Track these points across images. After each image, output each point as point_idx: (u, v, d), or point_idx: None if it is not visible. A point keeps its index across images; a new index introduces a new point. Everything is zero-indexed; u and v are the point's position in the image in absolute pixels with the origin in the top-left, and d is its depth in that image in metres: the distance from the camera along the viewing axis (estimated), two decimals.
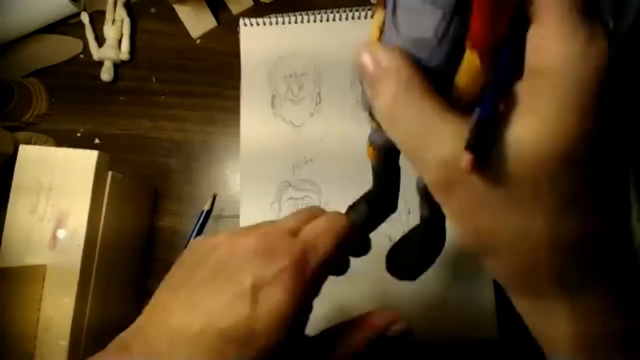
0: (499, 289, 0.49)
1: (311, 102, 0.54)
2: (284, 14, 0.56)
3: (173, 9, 0.59)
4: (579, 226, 0.19)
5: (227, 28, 0.60)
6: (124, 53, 0.60)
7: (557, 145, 0.17)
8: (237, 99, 0.56)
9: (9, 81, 0.57)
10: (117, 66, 0.60)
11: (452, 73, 0.20)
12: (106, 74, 0.59)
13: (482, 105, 0.18)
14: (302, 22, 0.56)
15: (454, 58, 0.20)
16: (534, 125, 0.18)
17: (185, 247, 0.54)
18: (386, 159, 0.29)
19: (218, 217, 0.55)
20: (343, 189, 0.52)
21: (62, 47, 0.61)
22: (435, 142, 0.19)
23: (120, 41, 0.60)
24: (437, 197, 0.21)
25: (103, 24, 0.60)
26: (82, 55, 0.61)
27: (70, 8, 0.60)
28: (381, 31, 0.23)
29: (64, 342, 0.42)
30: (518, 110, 0.18)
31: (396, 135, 0.21)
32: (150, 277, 0.55)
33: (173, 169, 0.57)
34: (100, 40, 0.60)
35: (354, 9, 0.55)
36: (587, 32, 0.18)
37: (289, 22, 0.56)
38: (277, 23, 0.56)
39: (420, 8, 0.20)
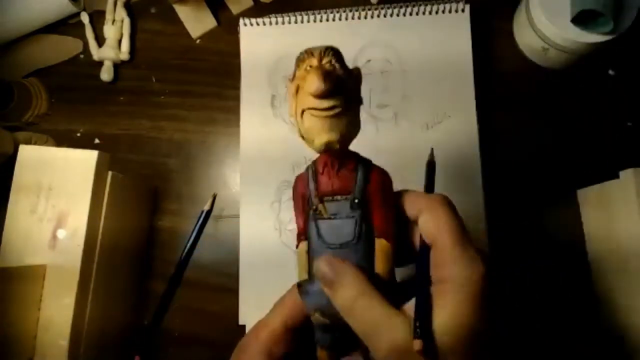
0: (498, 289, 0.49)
1: None
2: (284, 14, 0.56)
3: (173, 9, 0.59)
4: None
5: (227, 28, 0.60)
6: (124, 53, 0.60)
7: (461, 330, 0.27)
8: (237, 98, 0.56)
9: (9, 81, 0.57)
10: (117, 66, 0.60)
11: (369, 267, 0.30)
12: (106, 74, 0.59)
13: (417, 309, 0.28)
14: (302, 22, 0.56)
15: (369, 253, 0.30)
16: (444, 318, 0.27)
17: (186, 247, 0.55)
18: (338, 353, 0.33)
19: (218, 217, 0.55)
20: None
21: (62, 47, 0.61)
22: (387, 332, 0.28)
23: (120, 41, 0.60)
24: None
25: (103, 24, 0.60)
26: (82, 55, 0.61)
27: (70, 8, 0.60)
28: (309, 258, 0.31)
29: (64, 342, 0.42)
30: (434, 308, 0.28)
31: (355, 326, 0.29)
32: (150, 277, 0.55)
33: (173, 169, 0.57)
34: (100, 40, 0.60)
35: (354, 9, 0.55)
36: (471, 255, 0.28)
37: (289, 22, 0.56)
38: (277, 23, 0.56)
39: (339, 222, 0.30)
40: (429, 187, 0.34)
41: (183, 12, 0.59)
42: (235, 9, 0.60)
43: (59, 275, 0.42)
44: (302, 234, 0.32)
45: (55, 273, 0.42)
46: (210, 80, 0.59)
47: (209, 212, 0.55)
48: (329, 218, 0.31)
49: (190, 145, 0.57)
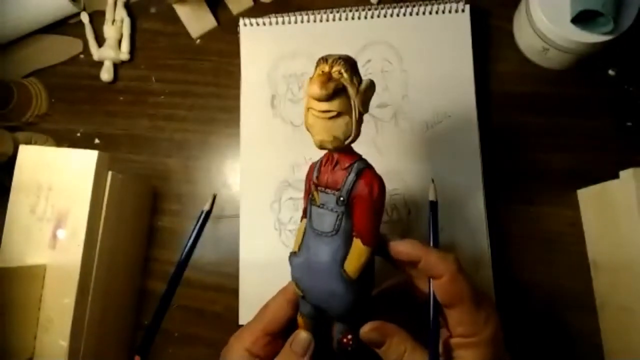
0: (498, 289, 0.49)
1: None
2: (283, 14, 0.56)
3: (173, 9, 0.59)
4: None
5: (227, 28, 0.60)
6: (124, 53, 0.60)
7: None
8: (237, 98, 0.56)
9: (9, 81, 0.57)
10: (117, 66, 0.60)
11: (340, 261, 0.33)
12: (106, 74, 0.59)
13: None
14: (302, 22, 0.56)
15: (343, 248, 0.33)
16: None
17: (186, 247, 0.55)
18: (315, 327, 0.36)
19: (218, 217, 0.55)
20: None
21: (62, 47, 0.61)
22: None
23: (120, 41, 0.60)
24: None
25: (103, 24, 0.60)
26: (82, 55, 0.61)
27: (70, 8, 0.60)
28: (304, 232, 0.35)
29: (64, 343, 0.42)
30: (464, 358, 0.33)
31: None
32: (150, 277, 0.55)
33: (173, 169, 0.57)
34: (100, 40, 0.60)
35: (354, 9, 0.55)
36: (489, 313, 0.34)
37: (289, 22, 0.56)
38: (277, 23, 0.56)
39: (325, 212, 0.33)
40: (435, 236, 0.36)
41: (183, 12, 0.59)
42: (235, 9, 0.60)
43: (59, 275, 0.42)
44: (304, 213, 0.36)
45: (55, 273, 0.42)
46: (210, 80, 0.59)
47: (209, 212, 0.55)
48: (319, 206, 0.34)
49: (190, 145, 0.57)
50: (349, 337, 0.35)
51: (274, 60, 0.56)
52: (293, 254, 0.35)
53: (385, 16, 0.55)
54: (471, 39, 0.53)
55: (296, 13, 0.56)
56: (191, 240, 0.56)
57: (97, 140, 0.59)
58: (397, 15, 0.55)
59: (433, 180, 0.38)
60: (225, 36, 0.59)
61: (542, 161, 0.53)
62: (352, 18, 0.55)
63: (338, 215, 0.33)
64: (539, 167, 0.53)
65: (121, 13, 0.60)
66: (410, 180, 0.52)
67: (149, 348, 0.53)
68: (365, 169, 0.34)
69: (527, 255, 0.51)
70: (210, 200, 0.55)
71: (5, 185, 0.45)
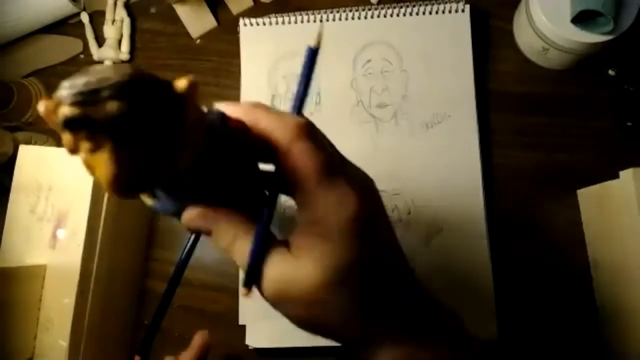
0: (498, 290, 0.49)
1: (311, 102, 0.54)
2: (283, 14, 0.56)
3: (173, 9, 0.59)
4: (374, 307, 0.26)
5: (227, 28, 0.59)
6: (124, 53, 0.59)
7: (333, 275, 0.25)
8: (237, 98, 0.55)
9: (9, 81, 0.57)
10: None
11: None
12: None
13: (251, 254, 0.26)
14: (302, 22, 0.56)
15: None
16: (313, 264, 0.25)
17: (186, 246, 0.54)
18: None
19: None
20: None
21: (62, 47, 0.61)
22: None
23: (120, 41, 0.60)
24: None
25: (103, 24, 0.60)
26: (82, 55, 0.61)
27: (70, 8, 0.60)
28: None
29: (64, 343, 0.42)
30: (304, 252, 0.26)
31: (236, 259, 0.28)
32: (150, 277, 0.55)
33: None
34: (100, 40, 0.60)
35: (354, 9, 0.55)
36: (341, 192, 0.25)
37: (289, 22, 0.56)
38: (277, 23, 0.56)
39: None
40: (301, 97, 0.28)
41: (183, 12, 0.59)
42: (235, 9, 0.60)
43: (59, 275, 0.42)
44: None
45: (55, 273, 0.42)
46: (210, 80, 0.59)
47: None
48: None
49: None
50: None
51: (274, 60, 0.56)
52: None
53: (385, 16, 0.55)
54: (471, 39, 0.53)
55: (296, 13, 0.56)
56: (191, 240, 0.56)
57: None
58: (397, 15, 0.55)
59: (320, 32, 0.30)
60: (225, 36, 0.59)
61: (542, 161, 0.53)
62: (352, 18, 0.55)
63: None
64: (539, 167, 0.53)
65: (121, 13, 0.60)
66: (410, 180, 0.52)
67: (149, 348, 0.53)
68: None
69: (527, 255, 0.51)
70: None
71: (5, 185, 0.45)
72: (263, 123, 0.26)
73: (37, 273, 0.42)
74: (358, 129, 0.53)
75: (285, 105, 0.55)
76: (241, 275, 0.51)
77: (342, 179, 0.26)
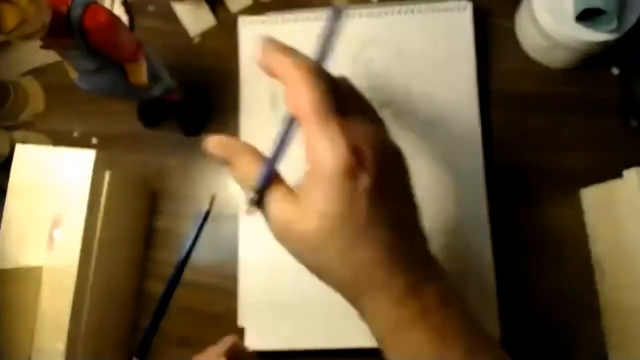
0: (501, 290, 0.49)
1: None
2: (283, 13, 0.55)
3: (171, 7, 0.59)
4: (365, 256, 0.27)
5: (226, 26, 0.59)
6: None
7: (315, 222, 0.26)
8: (235, 98, 0.55)
9: (5, 80, 0.57)
10: None
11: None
12: None
13: (260, 177, 0.28)
14: (302, 20, 0.55)
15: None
16: (299, 204, 0.27)
17: (184, 248, 0.54)
18: None
19: (217, 217, 0.55)
20: None
21: None
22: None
23: None
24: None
25: None
26: None
27: None
28: None
29: (61, 345, 0.41)
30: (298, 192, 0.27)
31: (244, 183, 0.29)
32: (148, 278, 0.54)
33: (171, 169, 0.57)
34: None
35: (354, 7, 0.55)
36: (330, 138, 0.26)
37: (289, 21, 0.55)
38: (276, 22, 0.56)
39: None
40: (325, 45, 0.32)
41: (181, 10, 0.59)
42: (233, 7, 0.59)
43: (56, 277, 0.42)
44: None
45: (52, 274, 0.42)
46: (208, 78, 0.58)
47: (208, 212, 0.55)
48: None
49: (189, 144, 0.57)
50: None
51: None
52: None
53: (386, 14, 0.54)
54: (473, 37, 0.53)
55: (295, 11, 0.55)
56: (190, 241, 0.55)
57: (94, 140, 0.58)
58: (399, 13, 0.54)
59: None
60: (224, 34, 0.59)
61: (545, 160, 0.53)
62: (353, 16, 0.55)
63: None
64: (542, 167, 0.53)
65: (119, 11, 0.59)
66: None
67: (147, 350, 0.53)
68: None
69: (530, 255, 0.51)
70: (209, 201, 0.55)
71: (1, 185, 0.45)
72: (277, 67, 0.30)
73: (33, 274, 0.42)
74: None
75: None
76: (241, 278, 0.51)
77: (336, 124, 0.26)
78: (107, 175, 0.46)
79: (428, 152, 0.52)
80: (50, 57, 0.60)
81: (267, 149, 0.52)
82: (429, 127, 0.52)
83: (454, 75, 0.53)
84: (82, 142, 0.58)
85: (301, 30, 0.55)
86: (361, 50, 0.54)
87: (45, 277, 0.42)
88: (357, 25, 0.55)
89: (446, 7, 0.54)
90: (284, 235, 0.28)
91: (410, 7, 0.54)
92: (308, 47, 0.54)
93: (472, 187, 0.50)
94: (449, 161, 0.51)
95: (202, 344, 0.51)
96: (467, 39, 0.53)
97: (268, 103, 0.54)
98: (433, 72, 0.53)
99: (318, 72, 0.28)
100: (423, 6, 0.54)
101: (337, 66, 0.54)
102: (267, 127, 0.54)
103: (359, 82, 0.53)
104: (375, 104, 0.53)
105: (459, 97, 0.52)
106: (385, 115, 0.52)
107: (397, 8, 0.54)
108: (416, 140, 0.52)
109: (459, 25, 0.53)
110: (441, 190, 0.51)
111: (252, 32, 0.56)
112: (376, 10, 0.55)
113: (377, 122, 0.33)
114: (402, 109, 0.53)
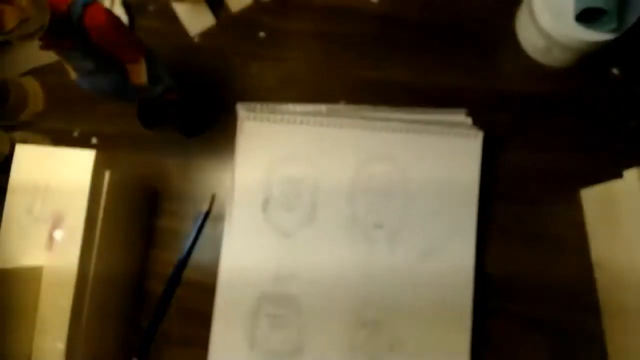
0: (501, 290, 0.49)
1: (305, 212, 0.51)
2: (286, 113, 0.53)
3: (171, 7, 0.59)
4: None
5: (226, 26, 0.59)
6: None
7: None
8: (234, 97, 0.55)
9: (5, 80, 0.57)
10: None
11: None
12: None
13: None
14: (304, 123, 0.52)
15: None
16: None
17: (184, 247, 0.54)
18: None
19: (217, 217, 0.55)
20: (325, 311, 0.49)
21: None
22: None
23: None
24: None
25: None
26: None
27: None
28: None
29: (61, 345, 0.41)
30: None
31: None
32: (148, 278, 0.54)
33: (171, 169, 0.57)
34: None
35: (357, 120, 0.52)
36: None
37: (291, 122, 0.52)
38: (277, 121, 0.53)
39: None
40: None
41: (181, 10, 0.59)
42: (234, 7, 0.59)
43: (56, 277, 0.42)
44: None
45: (52, 274, 0.42)
46: (208, 78, 0.58)
47: (207, 212, 0.55)
48: None
49: (189, 144, 0.57)
50: None
51: (271, 160, 0.52)
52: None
53: (394, 131, 0.51)
54: (480, 167, 0.50)
55: (299, 116, 0.52)
56: (190, 241, 0.55)
57: (94, 140, 0.58)
58: (407, 131, 0.51)
59: None
60: (224, 34, 0.59)
61: (545, 160, 0.53)
62: (365, 128, 0.52)
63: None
64: (542, 167, 0.53)
65: (119, 11, 0.59)
66: (402, 311, 0.49)
67: (147, 350, 0.53)
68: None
69: (530, 255, 0.51)
70: (209, 201, 0.55)
71: (1, 185, 0.45)
72: None
73: (33, 275, 0.42)
74: (351, 250, 0.50)
75: (278, 209, 0.51)
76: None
77: None
78: (107, 175, 0.46)
79: (419, 283, 0.49)
80: (50, 57, 0.60)
81: (252, 257, 0.50)
82: (422, 256, 0.50)
83: (455, 205, 0.50)
84: (82, 142, 0.58)
85: (303, 134, 0.52)
86: (365, 162, 0.52)
87: (45, 277, 0.42)
88: (362, 137, 0.52)
89: (458, 133, 0.51)
90: None
91: (423, 126, 0.51)
92: (308, 151, 0.51)
93: (456, 323, 0.48)
94: (437, 296, 0.49)
95: (202, 344, 0.52)
96: (473, 168, 0.50)
97: (260, 206, 0.52)
98: (434, 198, 0.50)
99: None
100: (437, 128, 0.51)
101: (335, 178, 0.51)
102: (256, 231, 0.51)
103: (357, 198, 0.51)
104: (370, 224, 0.50)
105: (457, 227, 0.50)
106: (380, 236, 0.50)
107: (405, 126, 0.51)
108: (407, 270, 0.50)
109: (468, 152, 0.51)
110: (426, 324, 0.49)
111: (252, 129, 0.53)
112: (382, 123, 0.52)
113: None
114: (397, 233, 0.50)
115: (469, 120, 0.51)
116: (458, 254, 0.49)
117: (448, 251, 0.49)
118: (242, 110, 0.53)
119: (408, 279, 0.49)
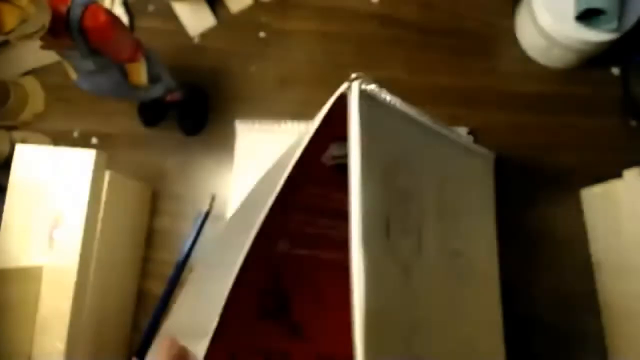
0: (501, 290, 0.48)
1: None
2: (283, 130, 0.53)
3: (171, 7, 0.59)
4: None
5: (226, 26, 0.59)
6: None
7: None
8: (234, 97, 0.55)
9: (5, 80, 0.57)
10: None
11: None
12: None
13: None
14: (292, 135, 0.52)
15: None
16: None
17: (184, 248, 0.54)
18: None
19: (217, 217, 0.55)
20: None
21: None
22: None
23: None
24: None
25: None
26: None
27: None
28: None
29: (61, 345, 0.41)
30: None
31: None
32: (148, 278, 0.54)
33: (171, 169, 0.57)
34: None
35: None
36: None
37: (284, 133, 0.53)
38: (273, 141, 0.53)
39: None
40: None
41: (181, 10, 0.59)
42: (234, 7, 0.59)
43: (56, 277, 0.42)
44: None
45: (52, 274, 0.42)
46: (208, 78, 0.58)
47: (207, 213, 0.55)
48: None
49: (189, 144, 0.57)
50: None
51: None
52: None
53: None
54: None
55: (289, 122, 0.53)
56: (190, 241, 0.55)
57: (94, 140, 0.58)
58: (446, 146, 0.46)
59: None
60: (224, 34, 0.59)
61: (546, 161, 0.53)
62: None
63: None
64: (542, 167, 0.53)
65: (119, 11, 0.59)
66: None
67: (147, 350, 0.53)
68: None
69: (530, 255, 0.51)
70: (208, 201, 0.55)
71: (2, 184, 0.45)
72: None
73: (33, 274, 0.42)
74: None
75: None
76: None
77: None
78: (107, 175, 0.46)
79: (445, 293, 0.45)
80: (50, 57, 0.60)
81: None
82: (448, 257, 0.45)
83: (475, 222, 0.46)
84: (82, 142, 0.58)
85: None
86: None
87: (45, 277, 0.42)
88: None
89: (477, 152, 0.48)
90: None
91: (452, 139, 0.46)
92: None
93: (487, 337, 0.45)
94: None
95: None
96: (489, 183, 0.49)
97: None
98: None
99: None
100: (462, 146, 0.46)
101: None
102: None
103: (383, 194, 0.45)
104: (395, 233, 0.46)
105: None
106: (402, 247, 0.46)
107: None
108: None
109: (484, 172, 0.48)
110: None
111: (250, 143, 0.54)
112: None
113: None
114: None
115: (471, 139, 0.50)
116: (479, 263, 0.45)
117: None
118: (239, 126, 0.54)
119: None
